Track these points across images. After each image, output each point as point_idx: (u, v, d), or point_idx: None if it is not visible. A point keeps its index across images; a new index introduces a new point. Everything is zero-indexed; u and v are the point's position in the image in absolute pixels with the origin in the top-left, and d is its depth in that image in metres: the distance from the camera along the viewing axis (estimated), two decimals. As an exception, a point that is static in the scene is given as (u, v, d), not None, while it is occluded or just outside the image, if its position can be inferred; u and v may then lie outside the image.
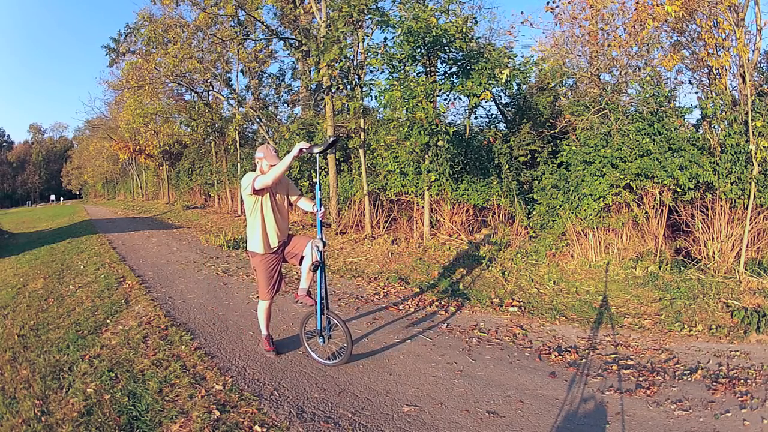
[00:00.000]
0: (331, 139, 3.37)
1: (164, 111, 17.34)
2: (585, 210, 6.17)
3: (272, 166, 3.36)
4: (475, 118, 9.43)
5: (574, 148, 6.47)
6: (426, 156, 7.26)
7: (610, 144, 6.08)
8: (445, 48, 6.84)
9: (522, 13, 13.70)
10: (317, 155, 3.41)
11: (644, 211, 6.10)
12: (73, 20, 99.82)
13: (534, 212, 7.04)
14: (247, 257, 3.78)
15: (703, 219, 5.74)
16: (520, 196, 7.40)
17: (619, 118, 6.25)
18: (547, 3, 7.09)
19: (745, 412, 2.89)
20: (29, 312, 5.02)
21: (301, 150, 3.19)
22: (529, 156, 7.93)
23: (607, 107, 6.46)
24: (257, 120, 13.73)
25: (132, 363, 3.55)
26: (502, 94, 9.24)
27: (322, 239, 3.39)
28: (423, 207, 7.65)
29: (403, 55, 6.88)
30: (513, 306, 5.08)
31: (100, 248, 9.20)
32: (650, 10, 5.93)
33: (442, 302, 5.23)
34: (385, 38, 7.97)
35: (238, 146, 14.78)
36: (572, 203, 6.31)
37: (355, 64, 8.32)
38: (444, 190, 7.63)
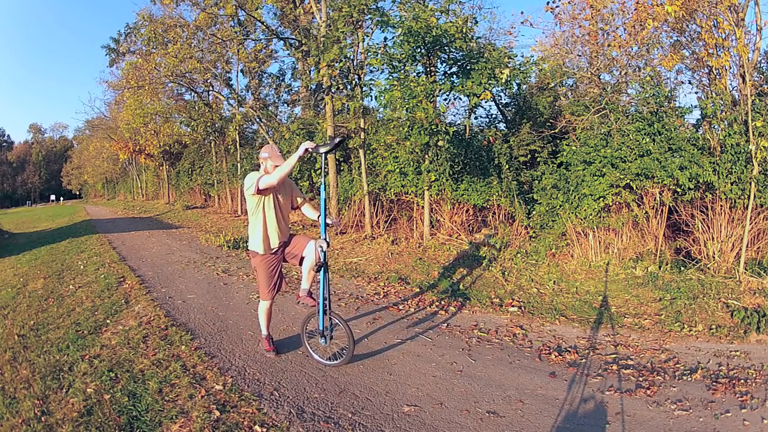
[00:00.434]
0: (338, 139, 3.37)
1: (164, 111, 17.35)
2: (585, 210, 6.17)
3: (277, 166, 3.35)
4: (475, 118, 9.44)
5: (574, 148, 6.47)
6: (426, 156, 7.26)
7: (610, 144, 6.08)
8: (445, 48, 6.84)
9: (522, 13, 13.72)
10: (323, 155, 3.41)
11: (644, 211, 6.10)
12: (73, 20, 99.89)
13: (534, 212, 7.04)
14: (248, 257, 3.81)
15: (703, 219, 5.74)
16: (520, 196, 7.40)
17: (619, 118, 6.25)
18: (547, 3, 7.10)
19: (745, 412, 2.89)
20: (29, 312, 5.02)
21: (306, 150, 3.19)
22: (529, 156, 7.93)
23: (607, 107, 6.46)
24: (257, 120, 13.73)
25: (132, 363, 3.55)
26: (502, 94, 9.25)
27: (326, 240, 3.39)
28: (423, 207, 7.65)
29: (403, 55, 6.87)
30: (513, 306, 5.08)
31: (100, 248, 9.20)
32: (650, 10, 5.93)
33: (442, 302, 5.23)
34: (385, 38, 7.96)
35: (238, 146, 14.77)
36: (572, 203, 6.31)
37: (355, 64, 8.32)
38: (444, 190, 7.63)
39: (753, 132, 5.17)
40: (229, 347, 3.93)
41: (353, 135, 8.67)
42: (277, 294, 3.66)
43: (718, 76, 6.24)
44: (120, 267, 7.17)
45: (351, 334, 3.46)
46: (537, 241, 6.70)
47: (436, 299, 5.33)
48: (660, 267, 5.67)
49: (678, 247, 6.26)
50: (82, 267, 7.35)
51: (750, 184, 5.25)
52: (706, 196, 5.76)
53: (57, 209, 32.93)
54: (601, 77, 7.36)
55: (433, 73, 7.29)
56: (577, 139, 6.63)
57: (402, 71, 7.12)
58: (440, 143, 6.82)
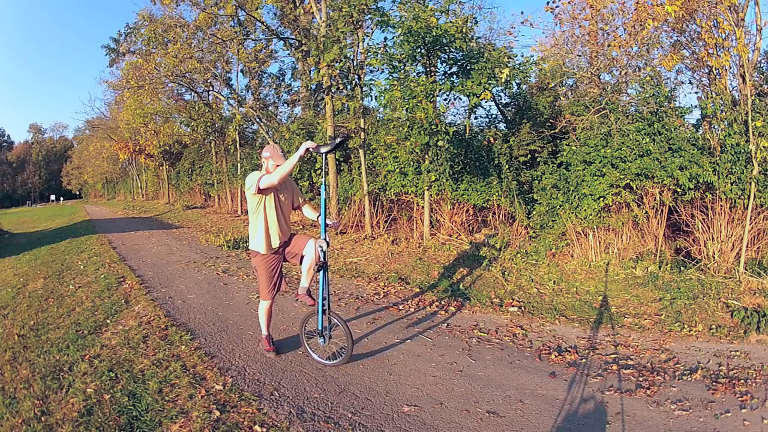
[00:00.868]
0: (339, 139, 3.37)
1: (164, 111, 17.35)
2: (585, 210, 6.17)
3: (278, 166, 3.34)
4: (475, 118, 9.43)
5: (574, 148, 6.47)
6: (426, 156, 7.26)
7: (610, 144, 6.08)
8: (445, 48, 6.84)
9: (522, 13, 13.70)
10: (323, 155, 3.42)
11: (644, 211, 6.10)
12: (73, 20, 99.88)
13: (534, 212, 7.04)
14: (248, 257, 3.81)
15: (703, 219, 5.74)
16: (520, 196, 7.39)
17: (619, 118, 6.25)
18: (547, 3, 7.10)
19: (745, 412, 2.89)
20: (29, 312, 5.02)
21: (307, 149, 3.19)
22: (529, 156, 7.93)
23: (607, 107, 6.45)
24: (257, 120, 13.73)
25: (132, 363, 3.55)
26: (502, 94, 9.24)
27: (326, 240, 3.39)
28: (423, 207, 7.65)
29: (403, 55, 6.87)
30: (513, 306, 5.08)
31: (100, 248, 9.20)
32: (650, 10, 5.93)
33: (442, 302, 5.23)
34: (385, 38, 7.98)
35: (238, 146, 14.78)
36: (572, 203, 6.31)
37: (355, 64, 8.32)
38: (444, 190, 7.63)
39: (753, 132, 5.17)
40: (229, 347, 3.93)
41: (353, 135, 8.68)
42: (277, 294, 3.66)
43: (718, 76, 6.24)
44: (120, 267, 7.17)
45: (350, 334, 3.46)
46: (537, 241, 6.70)
47: (436, 299, 5.33)
48: (660, 267, 5.67)
49: (678, 247, 6.26)
50: (82, 267, 7.35)
51: (750, 184, 5.25)
52: (706, 196, 5.76)
53: (57, 209, 32.94)
54: (601, 77, 7.36)
55: (433, 73, 7.29)
56: (577, 139, 6.62)
57: (402, 71, 7.12)
58: (440, 143, 6.82)
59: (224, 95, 15.25)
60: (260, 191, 3.31)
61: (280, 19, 14.44)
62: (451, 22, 6.66)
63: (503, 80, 6.47)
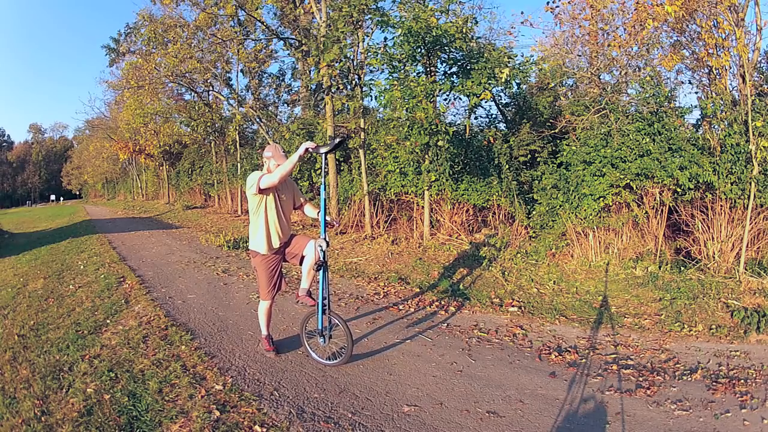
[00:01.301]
0: (338, 139, 3.38)
1: (164, 111, 17.35)
2: (585, 210, 6.17)
3: (279, 165, 3.36)
4: (475, 118, 9.43)
5: (574, 148, 6.47)
6: (426, 156, 7.26)
7: (610, 144, 6.08)
8: (445, 48, 6.84)
9: (522, 13, 13.69)
10: (323, 155, 3.42)
11: (644, 211, 6.10)
12: (73, 20, 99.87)
13: (534, 212, 7.04)
14: (248, 257, 3.81)
15: (703, 219, 5.74)
16: (520, 196, 7.39)
17: (619, 118, 6.25)
18: (547, 3, 7.10)
19: (745, 412, 2.89)
20: (29, 312, 5.02)
21: (306, 149, 3.19)
22: (529, 156, 7.93)
23: (607, 107, 6.45)
24: (257, 120, 13.73)
25: (132, 363, 3.55)
26: (502, 94, 9.24)
27: (325, 239, 3.39)
28: (423, 207, 7.65)
29: (403, 55, 6.87)
30: (513, 306, 5.08)
31: (100, 248, 9.20)
32: (650, 10, 5.92)
33: (442, 302, 5.23)
34: (385, 38, 7.98)
35: (238, 146, 14.78)
36: (572, 203, 6.31)
37: (355, 64, 8.32)
38: (444, 190, 7.63)
39: (753, 132, 5.17)
40: (229, 347, 3.93)
41: (353, 135, 8.68)
42: (277, 294, 3.66)
43: (718, 76, 6.24)
44: (120, 267, 7.17)
45: (350, 334, 3.46)
46: (537, 241, 6.70)
47: (436, 299, 5.33)
48: (660, 267, 5.67)
49: (678, 247, 6.26)
50: (82, 267, 7.35)
51: (750, 184, 5.25)
52: (706, 196, 5.76)
53: (57, 209, 32.94)
54: (601, 77, 7.36)
55: (433, 73, 7.29)
56: (577, 139, 6.62)
57: (402, 71, 7.12)
58: (440, 143, 6.82)
59: (224, 95, 15.26)
60: (261, 191, 3.31)
61: (280, 19, 14.43)
62: (451, 22, 6.66)
63: (503, 80, 6.47)
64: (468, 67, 6.80)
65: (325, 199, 3.47)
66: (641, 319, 4.62)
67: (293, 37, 12.19)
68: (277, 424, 2.75)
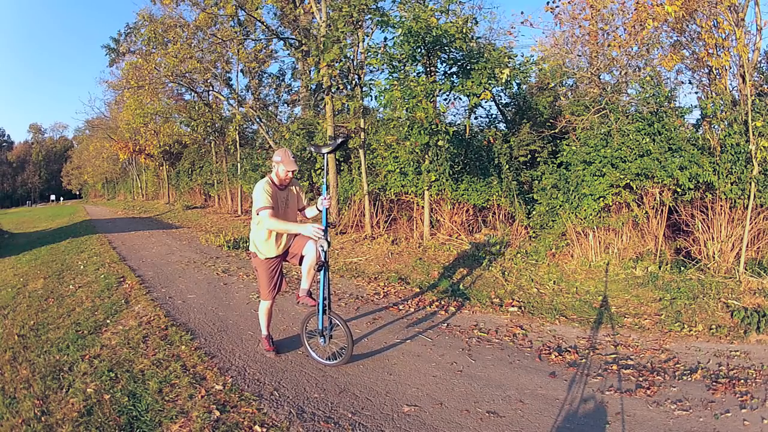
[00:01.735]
0: (340, 139, 3.37)
1: (164, 111, 17.34)
2: (585, 210, 6.17)
3: (289, 171, 3.36)
4: (475, 118, 9.42)
5: (574, 148, 6.47)
6: (426, 156, 7.26)
7: (610, 144, 6.08)
8: (445, 48, 6.84)
9: (522, 13, 13.70)
10: (324, 155, 3.42)
11: (644, 211, 6.10)
12: (73, 20, 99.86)
13: (534, 212, 7.04)
14: (248, 257, 3.81)
15: (703, 219, 5.74)
16: (520, 196, 7.40)
17: (619, 118, 6.25)
18: (547, 3, 7.10)
19: (745, 412, 2.89)
20: (29, 312, 5.02)
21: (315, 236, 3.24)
22: (529, 156, 7.93)
23: (607, 107, 6.45)
24: (257, 120, 13.73)
25: (132, 363, 3.55)
26: (502, 94, 9.24)
27: (326, 239, 3.38)
28: (423, 207, 7.65)
29: (403, 55, 6.87)
30: (513, 306, 5.08)
31: (100, 248, 9.20)
32: (650, 10, 5.92)
33: (442, 302, 5.23)
34: (385, 38, 7.97)
35: (238, 146, 14.78)
36: (572, 203, 6.31)
37: (355, 64, 8.32)
38: (444, 190, 7.63)
39: (753, 132, 5.17)
40: (229, 347, 3.93)
41: (353, 135, 8.67)
42: (277, 294, 3.66)
43: (718, 76, 6.24)
44: (120, 267, 7.17)
45: (350, 334, 3.46)
46: (537, 241, 6.70)
47: (436, 299, 5.33)
48: (660, 267, 5.67)
49: (678, 247, 6.26)
50: (82, 267, 7.35)
51: (750, 184, 5.25)
52: (706, 196, 5.76)
53: (57, 209, 32.93)
54: (601, 77, 7.36)
55: (433, 73, 7.29)
56: (577, 139, 6.62)
57: (402, 71, 7.12)
58: (440, 143, 6.82)
59: (224, 95, 15.25)
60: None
61: (280, 19, 14.42)
62: (451, 22, 6.66)
63: (503, 80, 6.47)
64: (468, 67, 6.80)
65: (327, 192, 3.47)
66: (641, 319, 4.62)
67: (293, 37, 12.19)
68: (277, 424, 2.75)
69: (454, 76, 7.14)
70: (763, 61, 7.23)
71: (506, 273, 5.96)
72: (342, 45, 7.53)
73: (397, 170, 8.06)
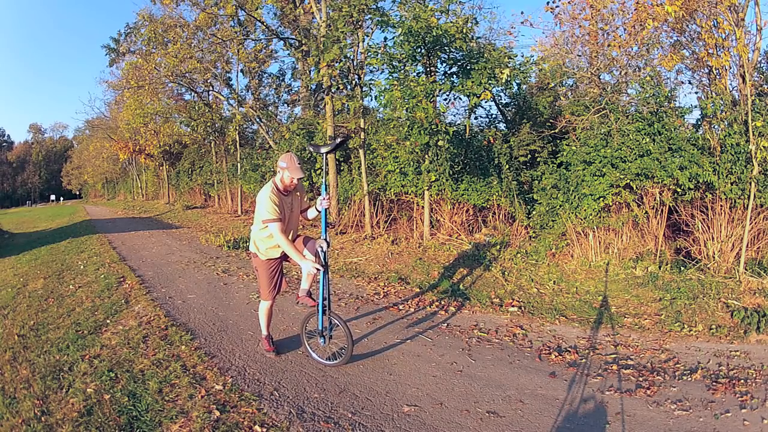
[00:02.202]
0: (339, 139, 3.37)
1: (164, 111, 17.33)
2: (585, 210, 6.17)
3: (294, 179, 3.31)
4: (475, 118, 9.42)
5: (574, 148, 6.47)
6: (426, 156, 7.26)
7: (610, 144, 6.08)
8: (445, 48, 6.84)
9: (522, 13, 13.68)
10: (324, 155, 3.41)
11: (644, 211, 6.10)
12: (73, 20, 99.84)
13: (534, 212, 7.04)
14: (248, 257, 3.81)
15: (703, 219, 5.74)
16: (520, 196, 7.40)
17: (619, 118, 6.25)
18: (547, 3, 7.09)
19: (745, 412, 2.89)
20: (29, 312, 5.02)
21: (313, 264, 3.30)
22: (529, 156, 7.93)
23: (607, 107, 6.45)
24: (257, 120, 13.73)
25: (132, 363, 3.55)
26: (502, 94, 9.24)
27: (326, 240, 3.38)
28: (423, 207, 7.65)
29: (403, 55, 6.87)
30: (513, 306, 5.08)
31: (100, 248, 9.20)
32: (650, 10, 5.92)
33: (442, 302, 5.23)
34: (385, 38, 7.97)
35: (238, 146, 14.78)
36: (572, 203, 6.31)
37: (355, 64, 8.32)
38: (444, 190, 7.63)
39: (753, 132, 5.17)
40: (229, 347, 3.93)
41: (353, 135, 8.67)
42: (277, 294, 3.65)
43: (718, 76, 6.24)
44: (120, 267, 7.17)
45: (350, 334, 3.46)
46: (537, 241, 6.70)
47: (436, 299, 5.33)
48: (660, 267, 5.67)
49: (678, 247, 6.26)
50: (82, 267, 7.35)
51: (750, 184, 5.25)
52: (706, 196, 5.76)
53: (57, 209, 32.92)
54: (601, 77, 7.36)
55: (433, 73, 7.29)
56: (577, 139, 6.63)
57: (402, 71, 7.12)
58: (440, 143, 6.82)
59: (224, 95, 15.25)
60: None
61: (280, 19, 14.42)
62: (451, 22, 6.65)
63: (503, 80, 6.47)
64: (468, 67, 6.80)
65: (326, 190, 3.47)
66: (641, 319, 4.62)
67: (293, 37, 12.18)
68: (277, 424, 2.75)
69: (454, 76, 7.14)
70: (763, 61, 7.24)
71: (506, 273, 5.96)
72: (342, 45, 7.53)
73: (397, 170, 8.06)
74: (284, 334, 4.23)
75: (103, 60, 39.70)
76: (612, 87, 6.83)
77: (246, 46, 14.38)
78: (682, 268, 5.55)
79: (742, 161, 5.33)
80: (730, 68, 6.05)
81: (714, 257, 5.57)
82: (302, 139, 10.41)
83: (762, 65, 7.11)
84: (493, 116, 9.74)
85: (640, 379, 3.39)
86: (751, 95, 5.37)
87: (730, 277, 5.17)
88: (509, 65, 6.59)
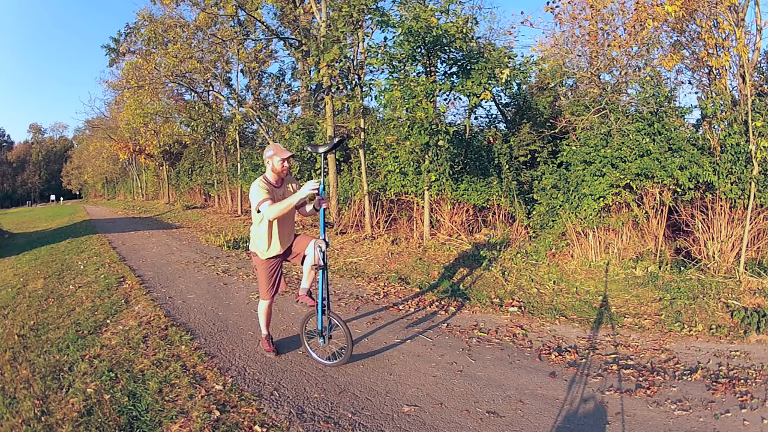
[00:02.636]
0: (337, 139, 3.37)
1: (164, 111, 17.34)
2: (585, 210, 6.17)
3: (284, 160, 3.31)
4: (475, 118, 9.43)
5: (574, 148, 6.47)
6: (426, 156, 7.26)
7: (610, 144, 6.08)
8: (445, 48, 6.84)
9: (522, 13, 13.70)
10: (323, 155, 3.41)
11: (644, 211, 6.10)
12: (73, 20, 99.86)
13: (534, 212, 7.04)
14: (248, 257, 3.81)
15: (703, 219, 5.74)
16: (520, 196, 7.40)
17: (619, 118, 6.25)
18: (547, 3, 7.10)
19: (745, 412, 2.89)
20: (29, 312, 5.02)
21: (310, 194, 3.11)
22: (529, 156, 7.93)
23: (607, 107, 6.46)
24: (257, 120, 13.73)
25: (132, 363, 3.55)
26: (502, 94, 9.24)
27: (325, 240, 3.38)
28: (423, 207, 7.65)
29: (403, 55, 6.87)
30: (513, 306, 5.08)
31: (100, 248, 9.20)
32: (650, 10, 5.92)
33: (442, 302, 5.23)
34: (385, 38, 7.96)
35: (238, 146, 14.79)
36: (572, 203, 6.31)
37: (355, 64, 8.32)
38: (444, 190, 7.63)
39: (753, 132, 5.17)
40: (229, 347, 3.93)
41: (353, 135, 8.68)
42: (276, 294, 3.65)
43: (718, 76, 6.24)
44: (120, 267, 7.17)
45: (349, 334, 3.46)
46: (537, 241, 6.70)
47: (436, 299, 5.33)
48: (660, 267, 5.67)
49: (678, 247, 6.26)
50: (82, 267, 7.35)
51: (750, 184, 5.25)
52: (706, 196, 5.76)
53: (57, 209, 32.92)
54: (601, 77, 7.36)
55: (433, 73, 7.29)
56: (577, 139, 6.63)
57: (402, 71, 7.12)
58: (440, 143, 6.82)
59: (224, 95, 15.26)
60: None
61: (280, 19, 14.42)
62: (451, 22, 6.65)
63: (503, 80, 6.47)
64: (468, 67, 6.80)
65: (324, 189, 3.46)
66: (641, 319, 4.62)
67: (293, 37, 12.19)
68: (277, 424, 2.75)
69: (454, 76, 7.14)
70: (763, 61, 7.24)
71: (506, 273, 5.96)
72: (342, 45, 7.53)
73: (397, 170, 8.06)
74: (284, 334, 4.23)
75: (103, 60, 39.78)
76: (612, 87, 6.83)
77: (246, 46, 14.40)
78: (682, 268, 5.55)
79: (742, 161, 5.33)
80: (730, 68, 6.05)
81: (714, 257, 5.57)
82: (302, 139, 10.42)
83: (762, 65, 7.12)
84: (493, 116, 9.75)
85: (640, 379, 3.39)
86: (751, 95, 5.37)
87: (730, 277, 5.17)
88: (509, 65, 6.59)
